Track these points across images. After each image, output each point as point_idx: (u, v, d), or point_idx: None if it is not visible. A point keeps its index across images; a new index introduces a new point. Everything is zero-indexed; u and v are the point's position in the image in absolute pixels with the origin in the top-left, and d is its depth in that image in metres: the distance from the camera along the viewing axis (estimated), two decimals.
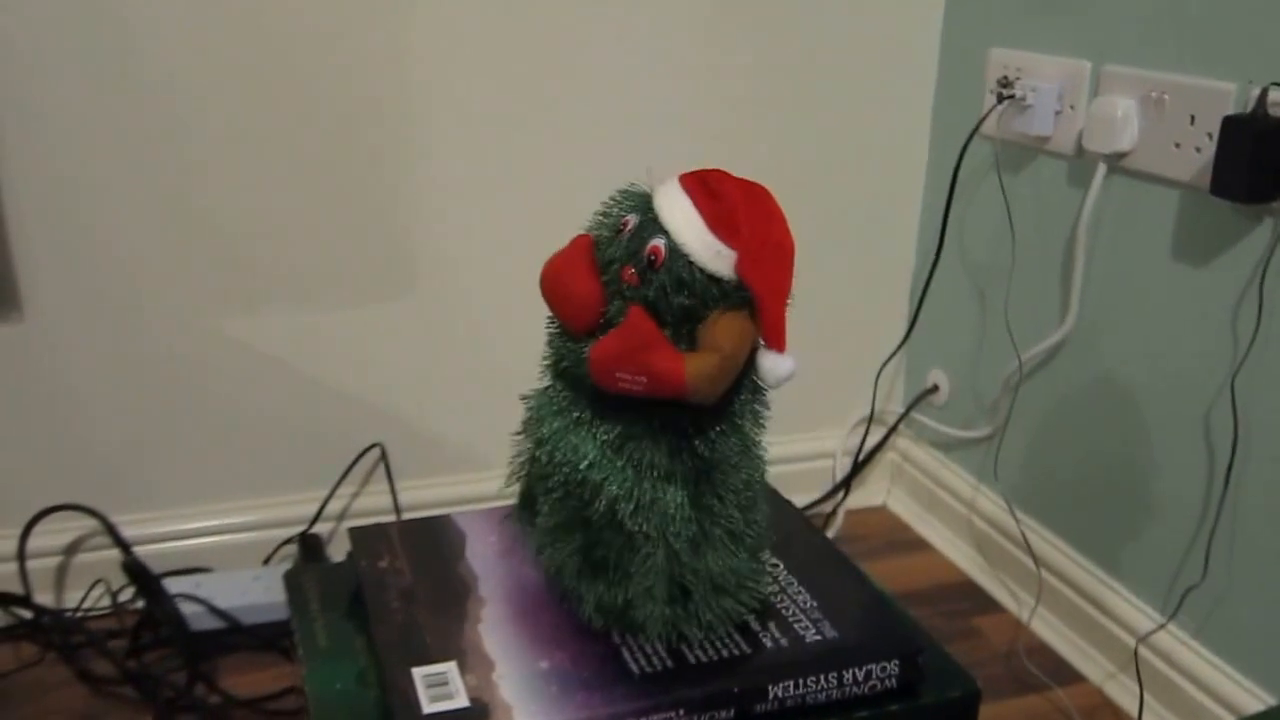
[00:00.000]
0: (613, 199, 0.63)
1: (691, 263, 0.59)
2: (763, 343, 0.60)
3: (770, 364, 0.60)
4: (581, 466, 0.61)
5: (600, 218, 0.63)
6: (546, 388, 0.65)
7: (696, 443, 0.61)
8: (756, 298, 0.59)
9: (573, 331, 0.62)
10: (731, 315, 0.59)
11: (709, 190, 0.60)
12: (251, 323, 1.18)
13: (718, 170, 0.61)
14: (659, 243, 0.59)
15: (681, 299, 0.59)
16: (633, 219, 0.61)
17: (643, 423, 0.60)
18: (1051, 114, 1.11)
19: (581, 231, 0.64)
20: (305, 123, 1.13)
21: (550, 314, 0.63)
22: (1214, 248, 0.95)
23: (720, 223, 0.59)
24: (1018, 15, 1.16)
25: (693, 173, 0.61)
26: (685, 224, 0.59)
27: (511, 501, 0.72)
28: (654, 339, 0.58)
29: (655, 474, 0.61)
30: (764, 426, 0.64)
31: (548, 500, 0.64)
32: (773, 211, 0.60)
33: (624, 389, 0.58)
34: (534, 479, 0.66)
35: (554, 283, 0.62)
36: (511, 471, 0.69)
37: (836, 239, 1.34)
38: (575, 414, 0.62)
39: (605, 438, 0.61)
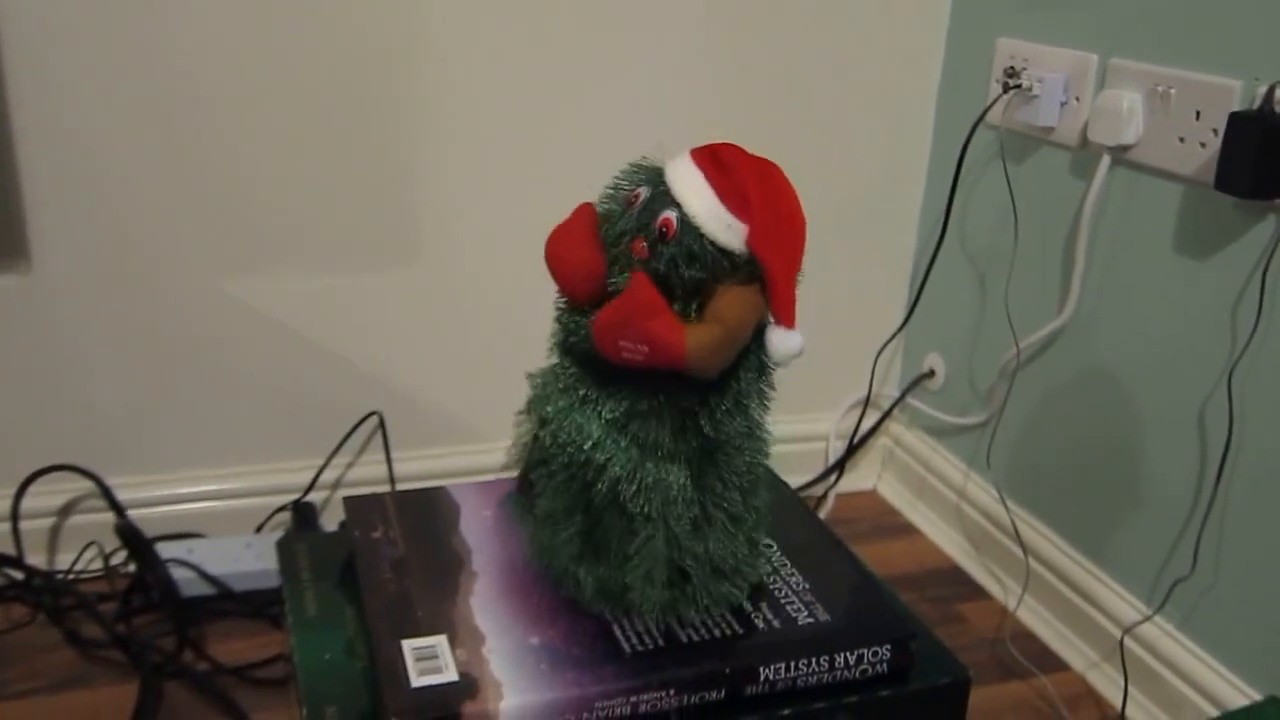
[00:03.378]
0: (623, 172, 0.63)
1: (702, 235, 0.59)
2: (772, 319, 0.60)
3: (779, 340, 0.60)
4: (585, 446, 0.61)
5: (610, 191, 0.63)
6: (553, 366, 0.65)
7: (702, 422, 0.61)
8: (767, 272, 0.59)
9: (574, 300, 0.62)
10: (739, 288, 0.59)
11: (721, 164, 0.60)
12: (256, 288, 1.17)
13: (730, 144, 0.61)
14: (670, 215, 0.59)
15: (692, 272, 0.59)
16: (644, 191, 0.61)
17: (648, 400, 0.60)
18: (1057, 105, 1.10)
19: (597, 197, 0.64)
20: (316, 88, 1.12)
21: (558, 290, 0.63)
22: (1216, 243, 0.95)
23: (732, 196, 0.59)
24: (1025, 6, 1.16)
25: (704, 147, 0.61)
26: (697, 197, 0.59)
27: (503, 476, 0.72)
28: (656, 306, 0.57)
29: (659, 454, 0.61)
30: (769, 408, 0.64)
31: (549, 484, 0.64)
32: (784, 186, 0.60)
33: (626, 358, 0.58)
34: (533, 464, 0.66)
35: (555, 250, 0.62)
36: (512, 452, 0.68)
37: (840, 223, 1.34)
38: (581, 391, 0.62)
39: (610, 416, 0.61)
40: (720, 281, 0.59)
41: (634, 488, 0.60)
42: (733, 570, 0.64)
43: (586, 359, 0.62)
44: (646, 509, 0.60)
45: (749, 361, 0.61)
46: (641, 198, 0.60)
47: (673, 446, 0.61)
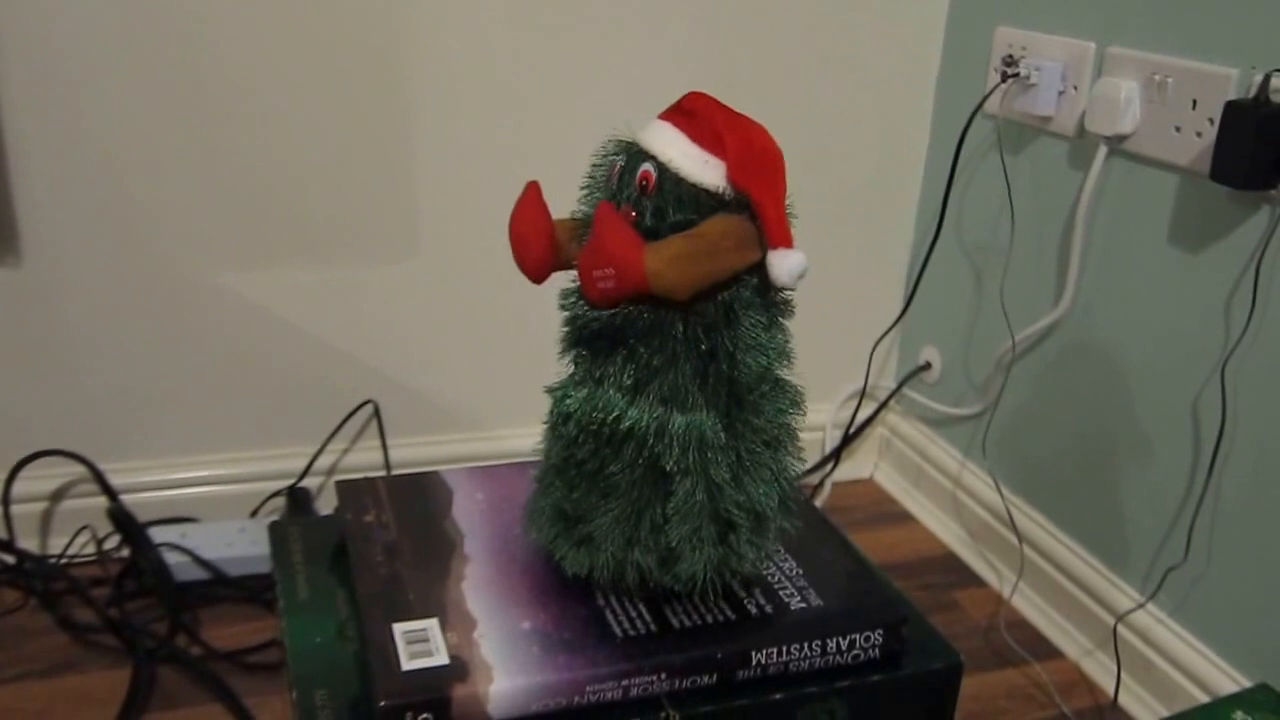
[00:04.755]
0: (596, 155, 0.63)
1: (681, 179, 0.59)
2: (770, 247, 0.60)
3: (778, 259, 0.59)
4: (610, 419, 0.60)
5: (589, 179, 0.63)
6: (567, 365, 0.64)
7: (722, 364, 0.61)
8: (753, 200, 0.59)
9: (531, 276, 0.62)
10: (723, 215, 0.59)
11: (687, 111, 0.61)
12: (251, 276, 1.17)
13: (694, 92, 0.61)
14: (647, 167, 0.59)
15: (680, 216, 0.59)
16: (620, 159, 0.61)
17: (661, 354, 0.60)
18: (1055, 94, 1.10)
19: (580, 192, 0.64)
20: (315, 81, 1.12)
21: (520, 265, 0.63)
22: (1211, 233, 0.95)
23: (703, 137, 0.59)
24: None
25: (670, 105, 0.62)
26: (669, 144, 0.60)
27: (498, 462, 0.72)
28: (613, 225, 0.57)
29: (686, 404, 0.60)
30: (790, 357, 0.63)
31: (580, 474, 0.63)
32: (752, 124, 0.61)
33: (603, 290, 0.58)
34: (561, 466, 0.64)
35: (510, 230, 0.63)
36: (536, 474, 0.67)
37: (837, 214, 1.34)
38: (597, 373, 0.62)
39: (629, 382, 0.60)
40: (708, 217, 0.59)
41: (665, 440, 0.60)
42: (774, 518, 0.64)
43: (594, 339, 0.62)
44: (682, 461, 0.60)
45: (746, 293, 0.60)
46: (618, 166, 0.61)
47: (698, 395, 0.60)
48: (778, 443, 0.64)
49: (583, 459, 0.62)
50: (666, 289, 0.57)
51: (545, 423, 0.65)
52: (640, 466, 0.60)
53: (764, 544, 0.64)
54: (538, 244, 0.62)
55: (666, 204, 0.59)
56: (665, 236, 0.58)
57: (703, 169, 0.59)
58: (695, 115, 0.60)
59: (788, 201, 0.61)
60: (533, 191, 0.63)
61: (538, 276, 0.63)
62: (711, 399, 0.61)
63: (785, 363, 0.63)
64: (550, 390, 0.64)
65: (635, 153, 0.61)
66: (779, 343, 0.63)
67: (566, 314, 0.63)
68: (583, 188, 0.64)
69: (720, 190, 0.59)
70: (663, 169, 0.59)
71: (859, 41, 1.27)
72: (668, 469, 0.60)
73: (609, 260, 0.57)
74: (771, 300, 0.62)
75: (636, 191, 0.59)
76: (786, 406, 0.63)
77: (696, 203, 0.59)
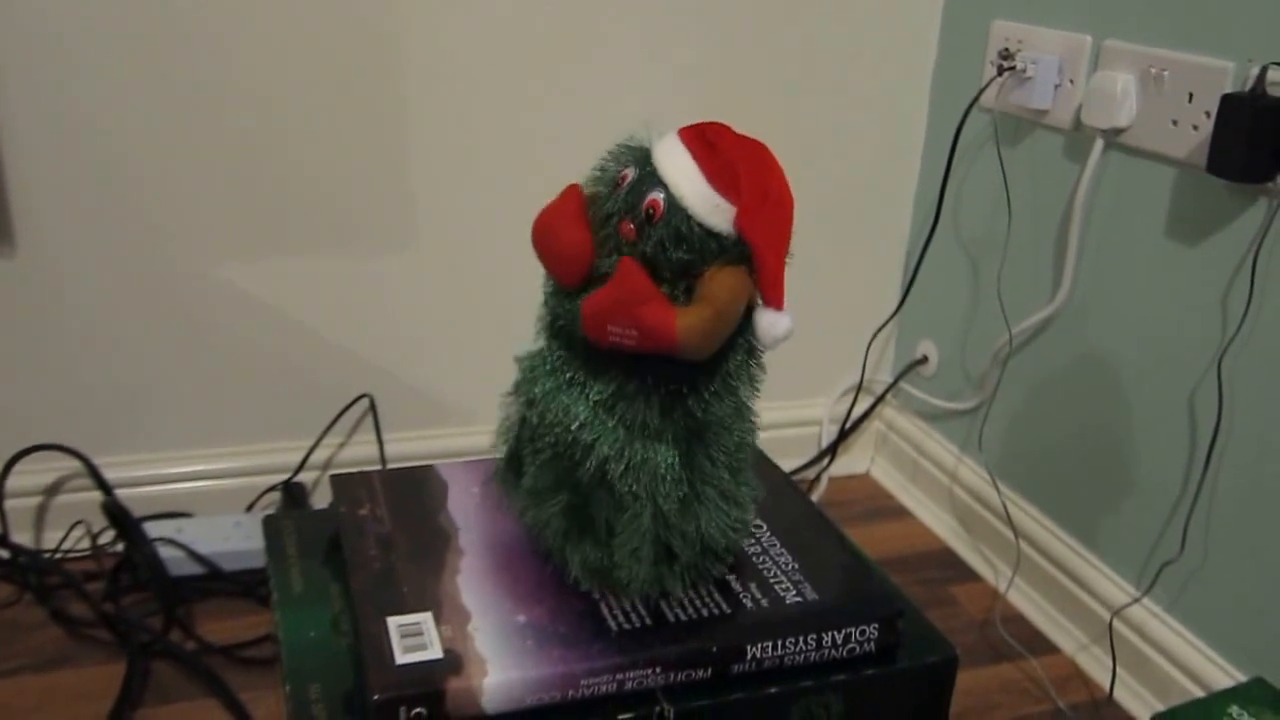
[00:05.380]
0: (610, 153, 0.62)
1: (690, 217, 0.58)
2: (760, 300, 0.60)
3: (767, 322, 0.59)
4: (573, 427, 0.60)
5: (598, 173, 0.62)
6: (540, 348, 0.64)
7: (690, 402, 0.61)
8: (755, 253, 0.58)
9: (563, 284, 0.61)
10: (729, 270, 0.58)
11: (708, 144, 0.59)
12: (247, 269, 1.17)
13: (717, 124, 0.60)
14: (658, 196, 0.58)
15: (680, 254, 0.58)
16: (631, 172, 0.60)
17: (635, 381, 0.60)
18: (1051, 87, 1.10)
19: (585, 181, 0.63)
20: (311, 74, 1.11)
21: (546, 274, 0.62)
22: (1208, 227, 0.95)
23: (719, 176, 0.58)
24: None
25: (692, 126, 0.61)
26: (684, 177, 0.58)
27: (492, 455, 0.72)
28: (646, 292, 0.57)
29: (646, 433, 0.60)
30: (759, 391, 0.64)
31: (535, 461, 0.64)
32: (772, 166, 0.60)
33: (615, 343, 0.57)
34: (522, 441, 0.66)
35: (543, 233, 0.61)
36: (499, 432, 0.68)
37: (833, 208, 1.34)
38: (568, 374, 0.62)
39: (598, 398, 0.60)
40: (708, 263, 0.59)
41: (622, 467, 0.60)
42: (723, 549, 0.64)
43: (574, 341, 0.62)
44: (635, 488, 0.60)
45: (738, 343, 0.61)
46: (629, 179, 0.60)
47: (660, 426, 0.61)
48: (740, 467, 0.64)
49: (541, 447, 0.63)
50: (693, 356, 0.57)
51: (509, 393, 0.65)
52: (597, 475, 0.61)
53: (707, 571, 0.65)
54: (575, 266, 0.60)
55: (669, 237, 0.58)
56: (661, 269, 0.58)
57: (712, 211, 0.58)
58: (715, 150, 0.59)
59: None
60: (574, 203, 0.61)
61: (571, 287, 0.62)
62: (677, 433, 0.61)
63: (753, 392, 0.64)
64: (519, 361, 0.64)
65: (649, 172, 0.59)
66: (749, 387, 0.63)
67: (545, 309, 0.63)
68: (590, 182, 0.63)
69: (724, 235, 0.58)
70: (672, 202, 0.58)
71: (855, 35, 1.27)
72: (620, 492, 0.60)
73: (636, 325, 0.56)
74: (752, 346, 0.62)
75: (643, 217, 0.59)
76: (745, 431, 0.64)
77: (701, 246, 0.58)
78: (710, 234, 0.58)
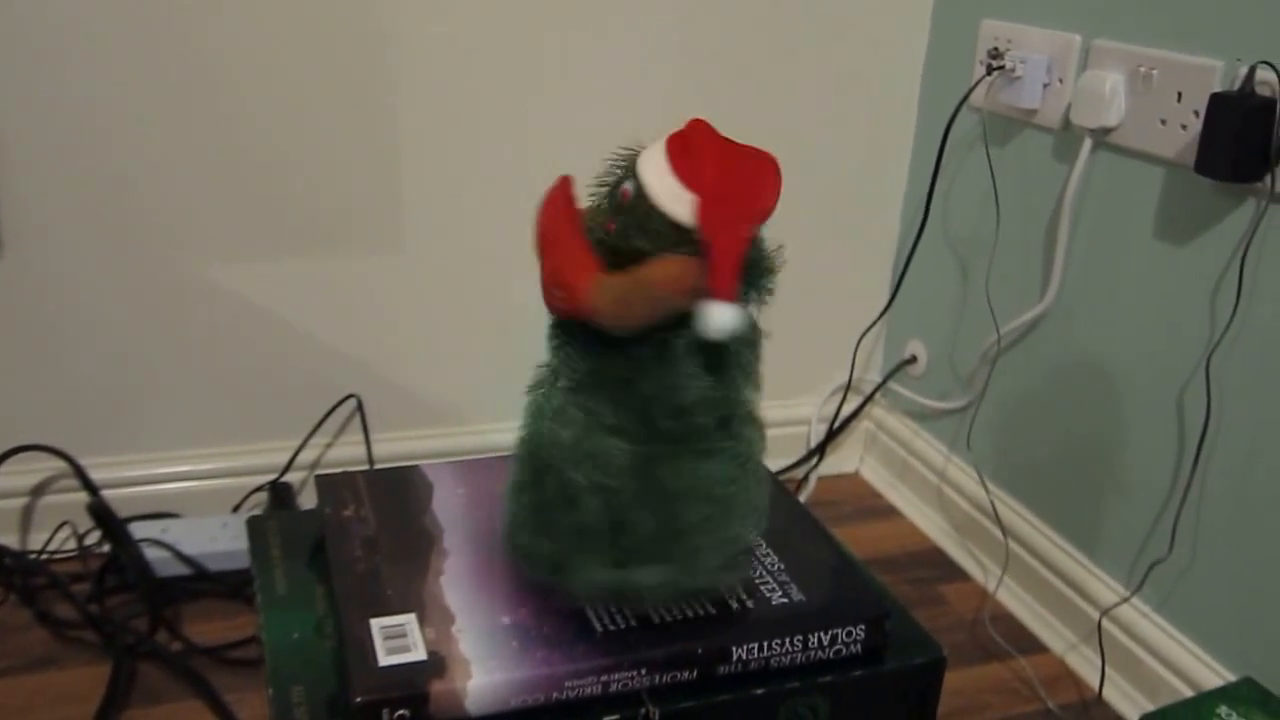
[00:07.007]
0: (607, 161, 0.62)
1: (651, 205, 0.58)
2: (709, 295, 0.58)
3: (707, 313, 0.57)
4: (547, 416, 0.60)
5: (597, 185, 0.62)
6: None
7: (639, 401, 0.59)
8: (704, 240, 0.57)
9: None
10: (673, 257, 0.58)
11: (684, 140, 0.59)
12: (234, 269, 1.16)
13: (702, 122, 0.60)
14: (628, 185, 0.59)
15: (641, 241, 0.58)
16: (620, 171, 0.61)
17: (596, 373, 0.60)
18: (1040, 87, 1.10)
19: (589, 187, 0.63)
20: (302, 75, 1.11)
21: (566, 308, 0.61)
22: (1196, 226, 0.95)
23: (684, 166, 0.58)
24: None
25: (680, 129, 0.61)
26: (651, 168, 0.59)
27: (479, 456, 0.71)
28: (566, 245, 0.57)
29: (603, 424, 0.60)
30: (743, 399, 0.62)
31: (518, 454, 0.64)
32: (756, 170, 0.59)
33: (554, 307, 0.58)
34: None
35: (554, 280, 0.60)
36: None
37: (822, 207, 1.34)
38: (553, 365, 0.62)
39: (564, 385, 0.60)
40: (666, 251, 0.58)
41: (576, 456, 0.59)
42: (680, 557, 0.61)
43: (568, 332, 0.61)
44: (586, 479, 0.59)
45: (685, 333, 0.59)
46: (616, 178, 0.61)
47: (614, 419, 0.60)
48: (693, 491, 0.61)
49: (523, 440, 0.63)
50: (606, 326, 0.57)
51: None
52: (555, 466, 0.60)
53: (675, 584, 0.61)
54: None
55: (632, 224, 0.58)
56: (628, 258, 0.58)
57: (673, 201, 0.58)
58: (689, 146, 0.59)
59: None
60: (571, 228, 0.60)
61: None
62: (632, 426, 0.59)
63: (712, 414, 0.60)
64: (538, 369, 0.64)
65: (629, 169, 0.60)
66: (705, 393, 0.60)
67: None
68: (592, 196, 0.63)
69: (685, 227, 0.57)
70: (639, 191, 0.58)
71: (844, 34, 1.27)
72: (577, 484, 0.59)
73: (559, 284, 0.57)
74: (713, 347, 0.59)
75: (616, 206, 0.59)
76: (722, 446, 0.61)
77: (657, 234, 0.58)
78: (671, 224, 0.58)
